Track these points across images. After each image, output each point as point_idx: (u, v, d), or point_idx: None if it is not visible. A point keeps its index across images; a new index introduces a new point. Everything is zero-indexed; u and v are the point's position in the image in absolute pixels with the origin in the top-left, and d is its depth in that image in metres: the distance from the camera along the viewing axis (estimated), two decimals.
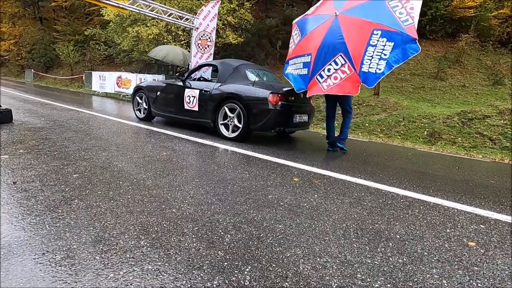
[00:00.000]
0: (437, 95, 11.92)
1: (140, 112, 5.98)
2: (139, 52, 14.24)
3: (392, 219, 1.99)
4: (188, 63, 8.90)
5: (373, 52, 3.48)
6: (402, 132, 8.42)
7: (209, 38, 8.40)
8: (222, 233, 1.66)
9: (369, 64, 3.50)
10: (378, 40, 3.45)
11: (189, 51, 9.73)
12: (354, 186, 2.67)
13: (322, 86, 3.77)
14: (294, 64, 4.20)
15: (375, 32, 3.46)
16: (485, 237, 1.82)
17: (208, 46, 8.47)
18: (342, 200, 2.29)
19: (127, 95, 11.94)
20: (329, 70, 3.70)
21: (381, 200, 2.34)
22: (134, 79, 11.70)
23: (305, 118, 4.73)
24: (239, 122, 4.36)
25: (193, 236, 1.60)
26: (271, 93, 4.20)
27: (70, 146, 3.41)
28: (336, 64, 3.65)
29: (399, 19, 3.44)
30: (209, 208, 1.98)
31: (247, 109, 4.25)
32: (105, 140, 3.87)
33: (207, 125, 4.78)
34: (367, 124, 8.76)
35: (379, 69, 3.46)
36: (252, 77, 4.70)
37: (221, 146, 4.03)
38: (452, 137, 7.69)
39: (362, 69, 3.53)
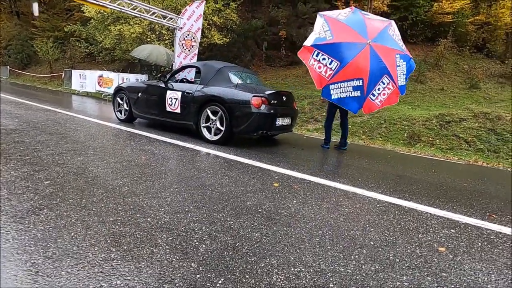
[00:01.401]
0: (417, 97, 12.26)
1: (121, 114, 5.84)
2: (122, 51, 13.92)
3: (367, 225, 2.02)
4: (172, 63, 8.77)
5: (400, 70, 4.65)
6: (383, 134, 8.61)
7: (193, 38, 8.31)
8: (197, 243, 1.63)
9: (400, 79, 4.64)
10: (400, 62, 4.64)
11: (173, 51, 9.58)
12: (333, 191, 2.70)
13: (376, 102, 4.65)
14: (340, 88, 4.52)
15: (396, 56, 4.62)
16: (455, 242, 1.88)
17: (192, 47, 8.38)
18: (320, 205, 2.31)
19: (108, 95, 11.64)
20: (379, 89, 4.59)
21: (358, 205, 2.38)
22: (116, 79, 11.42)
23: (288, 121, 4.76)
24: (222, 125, 4.33)
25: (166, 247, 1.57)
26: (253, 96, 4.20)
27: (43, 150, 3.28)
28: (383, 83, 4.57)
29: (399, 44, 4.74)
30: (185, 216, 1.94)
31: (229, 112, 4.23)
32: (81, 143, 3.75)
33: (190, 127, 4.72)
34: (350, 126, 8.89)
35: (405, 81, 4.76)
36: (235, 79, 4.68)
37: (203, 149, 3.98)
38: (430, 139, 7.92)
39: (399, 84, 4.64)
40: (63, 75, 14.60)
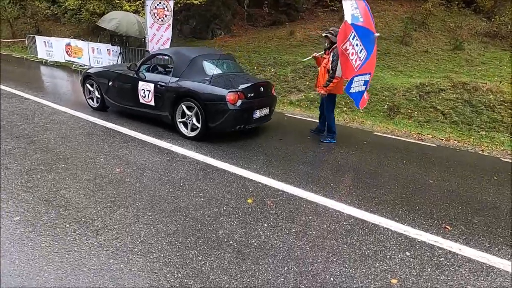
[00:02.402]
0: (401, 61, 12.11)
1: (93, 101, 5.58)
2: (89, 12, 12.72)
3: (331, 254, 2.18)
4: (145, 35, 8.14)
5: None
6: (366, 106, 8.65)
7: (166, 7, 7.63)
8: None
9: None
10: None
11: (144, 18, 8.83)
12: (304, 206, 2.82)
13: (365, 96, 4.57)
14: (359, 81, 4.22)
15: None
16: (407, 270, 2.08)
17: (166, 16, 7.73)
18: (289, 229, 2.43)
19: (80, 66, 10.91)
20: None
21: (325, 225, 2.52)
22: (85, 48, 10.59)
23: (266, 111, 4.69)
24: (198, 121, 4.24)
25: None
26: (229, 92, 4.07)
27: (10, 166, 3.18)
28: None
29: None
30: (158, 258, 2.03)
31: (205, 109, 4.12)
32: (52, 151, 3.64)
33: (166, 120, 4.61)
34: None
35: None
36: (210, 70, 4.46)
37: (179, 150, 3.95)
38: (409, 111, 8.05)
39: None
40: (26, 42, 13.37)
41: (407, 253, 2.24)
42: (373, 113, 8.06)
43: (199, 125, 4.23)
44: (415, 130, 6.63)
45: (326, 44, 4.69)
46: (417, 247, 2.32)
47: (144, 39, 8.25)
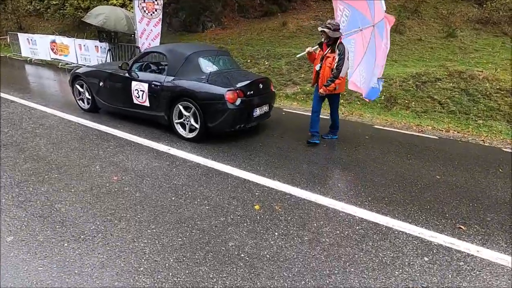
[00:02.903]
0: (395, 51, 12.01)
1: (84, 102, 5.33)
2: (73, 7, 12.22)
3: (348, 263, 2.08)
4: (134, 31, 7.82)
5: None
6: (361, 97, 8.57)
7: (155, 0, 7.31)
8: None
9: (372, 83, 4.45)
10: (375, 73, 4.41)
11: (132, 13, 8.48)
12: (314, 210, 2.71)
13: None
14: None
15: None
16: (428, 278, 2.00)
17: (156, 11, 7.42)
18: (302, 237, 2.33)
19: (67, 64, 10.50)
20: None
21: (338, 231, 2.43)
22: (72, 45, 10.18)
23: (266, 108, 4.54)
24: (196, 122, 4.07)
25: None
26: (228, 90, 3.89)
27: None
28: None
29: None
30: (166, 278, 1.90)
31: (203, 109, 3.94)
32: (43, 159, 3.43)
33: (162, 121, 4.42)
34: None
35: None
36: (206, 67, 4.27)
37: (178, 153, 3.78)
38: (406, 101, 7.99)
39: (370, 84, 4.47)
40: (8, 40, 12.81)
41: (425, 258, 2.16)
42: (371, 105, 7.97)
43: (197, 126, 4.07)
44: (414, 121, 6.58)
45: (322, 39, 4.13)
46: (434, 251, 2.24)
47: (134, 34, 7.93)
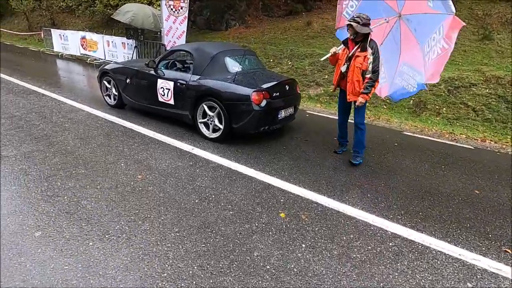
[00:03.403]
0: None
1: (110, 98, 5.42)
2: (103, 4, 12.57)
3: (381, 284, 1.93)
4: (161, 29, 7.90)
5: (404, 77, 3.87)
6: (388, 101, 8.24)
7: None
8: None
9: (399, 81, 3.93)
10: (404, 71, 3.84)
11: (159, 11, 8.58)
12: (342, 221, 2.57)
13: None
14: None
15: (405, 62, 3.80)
16: None
17: (182, 8, 7.46)
18: (330, 251, 2.20)
19: (95, 60, 10.82)
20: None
21: (369, 247, 2.27)
22: (100, 41, 10.47)
23: (291, 110, 4.42)
24: (220, 122, 4.02)
25: None
26: (254, 91, 3.80)
27: (29, 171, 3.05)
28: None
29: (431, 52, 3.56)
30: (189, 286, 1.83)
31: (228, 109, 3.88)
32: (71, 154, 3.49)
33: (186, 120, 4.40)
34: None
35: (398, 97, 4.30)
36: (232, 67, 4.20)
37: (201, 153, 3.74)
38: (437, 107, 7.60)
39: (394, 81, 3.97)
40: (42, 35, 13.37)
41: (469, 285, 1.97)
42: (398, 109, 7.65)
43: (221, 126, 4.01)
44: (445, 128, 6.23)
45: (349, 35, 3.52)
46: (478, 276, 2.04)
47: (160, 32, 8.01)
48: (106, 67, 5.40)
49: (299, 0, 14.74)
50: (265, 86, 3.94)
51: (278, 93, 4.03)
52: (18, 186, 2.78)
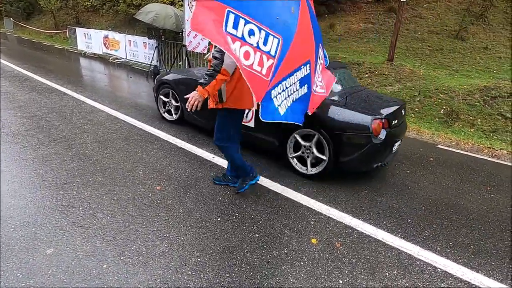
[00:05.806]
0: (456, 59, 10.91)
1: (171, 114, 4.65)
2: (126, 4, 12.67)
3: None
4: (182, 29, 7.78)
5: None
6: (416, 109, 7.79)
7: None
8: None
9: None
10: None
11: (182, 11, 8.48)
12: (383, 252, 2.27)
13: (320, 92, 2.90)
14: (284, 90, 2.40)
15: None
16: None
17: None
18: None
19: (117, 59, 10.88)
20: (319, 68, 2.94)
21: (419, 286, 1.96)
22: (122, 41, 10.52)
23: (400, 141, 3.60)
24: (321, 152, 3.18)
25: None
26: (374, 119, 2.97)
27: (46, 177, 2.92)
28: (319, 58, 2.89)
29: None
30: None
31: (335, 140, 3.04)
32: (89, 159, 3.35)
33: (269, 146, 3.57)
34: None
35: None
36: (335, 86, 3.32)
37: (223, 162, 3.51)
38: (471, 117, 7.11)
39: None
40: (67, 33, 13.66)
41: None
42: (427, 119, 7.21)
43: (324, 158, 3.14)
44: (482, 142, 5.75)
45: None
46: None
47: (181, 32, 7.89)
48: (166, 77, 4.54)
49: (322, 2, 14.38)
50: (384, 112, 3.14)
51: (396, 121, 3.28)
52: (33, 193, 2.65)
